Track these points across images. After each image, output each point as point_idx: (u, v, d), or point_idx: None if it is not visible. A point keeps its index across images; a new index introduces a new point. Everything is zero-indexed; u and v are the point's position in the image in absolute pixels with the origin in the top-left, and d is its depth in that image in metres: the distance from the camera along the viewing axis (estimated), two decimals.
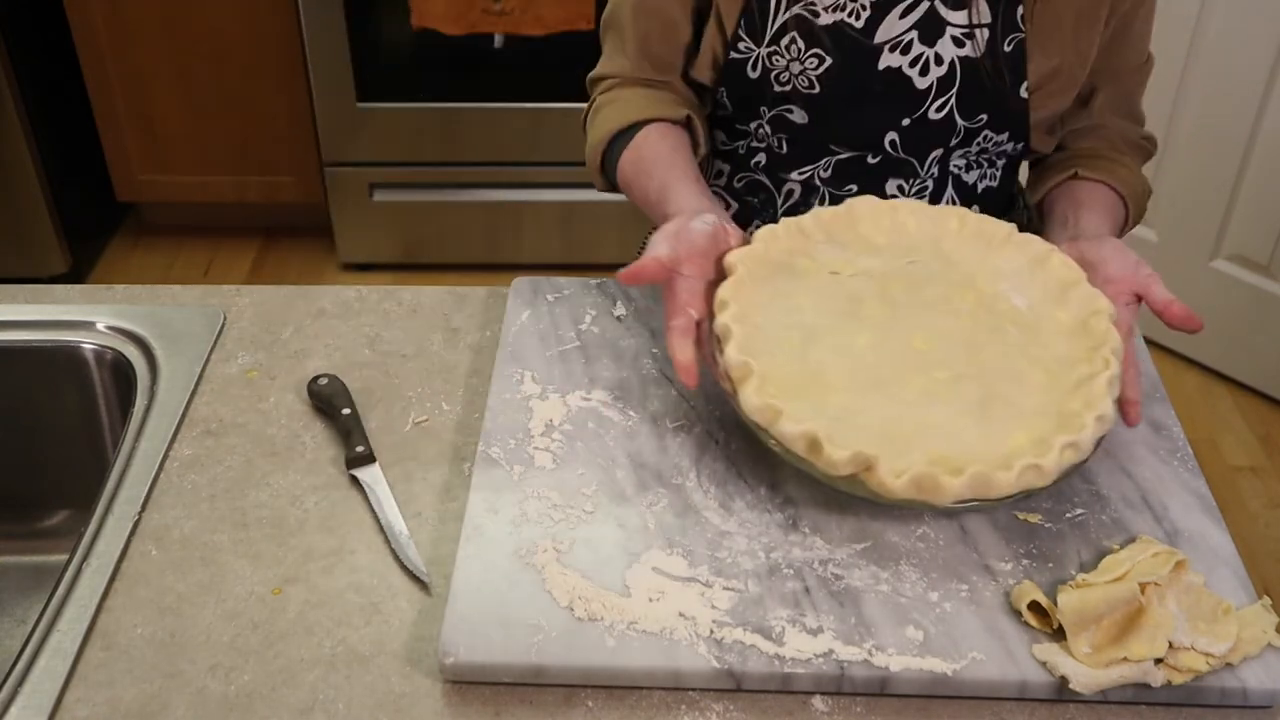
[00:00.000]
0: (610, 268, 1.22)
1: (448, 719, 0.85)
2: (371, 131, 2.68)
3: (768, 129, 1.23)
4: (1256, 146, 2.37)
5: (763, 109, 1.21)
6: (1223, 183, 2.43)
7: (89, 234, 2.91)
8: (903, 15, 1.15)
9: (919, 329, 1.02)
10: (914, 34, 1.15)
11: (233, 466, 1.06)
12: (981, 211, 1.25)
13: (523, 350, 1.14)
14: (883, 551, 0.95)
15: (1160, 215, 2.55)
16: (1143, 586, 0.87)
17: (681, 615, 0.89)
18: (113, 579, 0.95)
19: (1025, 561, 0.94)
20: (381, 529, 0.99)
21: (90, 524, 0.99)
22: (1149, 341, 1.21)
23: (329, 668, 0.89)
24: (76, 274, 2.79)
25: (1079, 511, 0.99)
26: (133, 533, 0.99)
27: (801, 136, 1.22)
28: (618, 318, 1.19)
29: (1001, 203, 1.32)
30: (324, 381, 1.12)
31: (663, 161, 1.17)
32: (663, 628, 0.88)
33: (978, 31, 1.15)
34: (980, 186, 1.27)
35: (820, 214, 1.09)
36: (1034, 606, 0.89)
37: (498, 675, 0.87)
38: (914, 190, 1.25)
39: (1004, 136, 1.21)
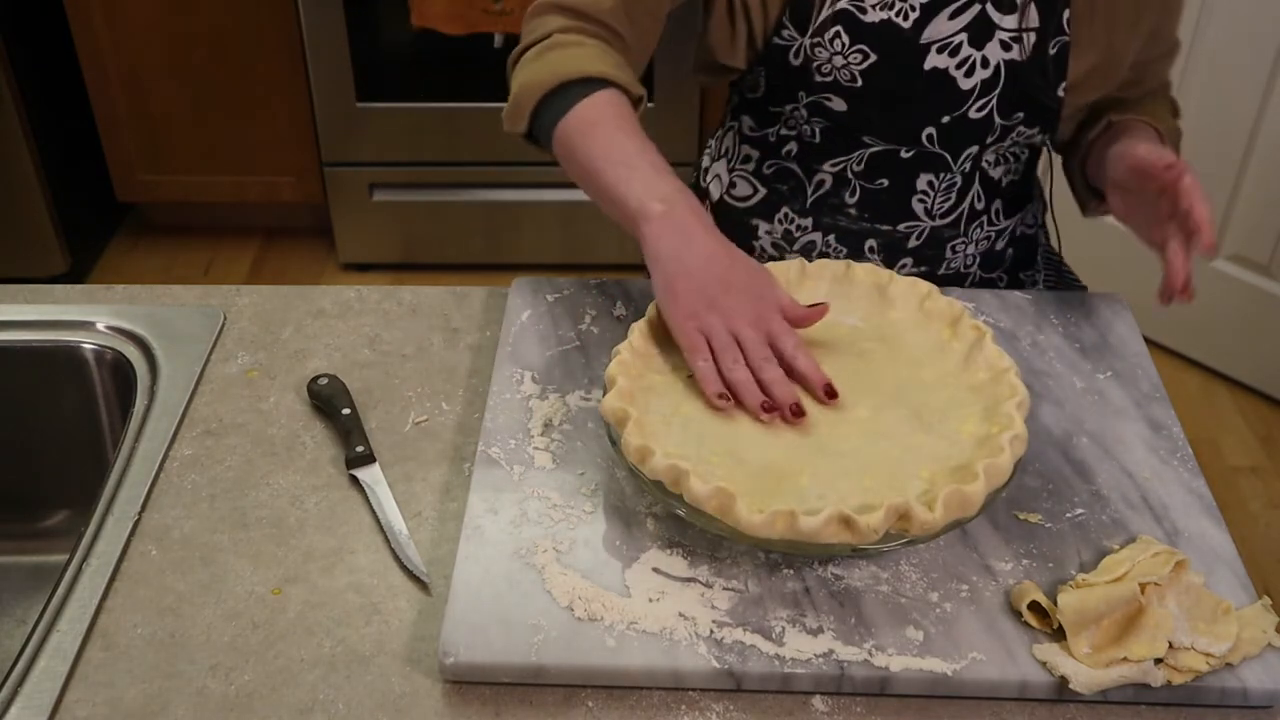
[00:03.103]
0: (610, 268, 1.22)
1: (448, 719, 0.85)
2: (371, 131, 2.68)
3: (804, 113, 1.22)
4: (1256, 146, 2.36)
5: (801, 94, 1.20)
6: (1223, 183, 2.43)
7: (89, 234, 2.91)
8: (952, 17, 1.15)
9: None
10: (963, 36, 1.15)
11: (233, 466, 1.06)
12: (1003, 206, 1.29)
13: (523, 350, 1.14)
14: (883, 551, 0.94)
15: None
16: (1143, 586, 0.87)
17: (681, 615, 0.89)
18: (113, 579, 0.95)
19: (1025, 561, 0.94)
20: (381, 529, 0.99)
21: (90, 524, 0.99)
22: (1149, 341, 1.21)
23: (329, 668, 0.89)
24: (76, 274, 2.79)
25: (1079, 511, 0.99)
26: (133, 533, 0.99)
27: (837, 126, 1.22)
28: (618, 318, 1.19)
29: (1022, 196, 1.33)
30: (324, 381, 1.12)
31: (629, 139, 1.07)
32: (663, 628, 0.88)
33: (1025, 35, 1.16)
34: (1005, 181, 1.29)
35: (636, 331, 1.04)
36: (1034, 606, 0.89)
37: (498, 675, 0.87)
38: (944, 185, 1.25)
39: (1035, 130, 1.22)
